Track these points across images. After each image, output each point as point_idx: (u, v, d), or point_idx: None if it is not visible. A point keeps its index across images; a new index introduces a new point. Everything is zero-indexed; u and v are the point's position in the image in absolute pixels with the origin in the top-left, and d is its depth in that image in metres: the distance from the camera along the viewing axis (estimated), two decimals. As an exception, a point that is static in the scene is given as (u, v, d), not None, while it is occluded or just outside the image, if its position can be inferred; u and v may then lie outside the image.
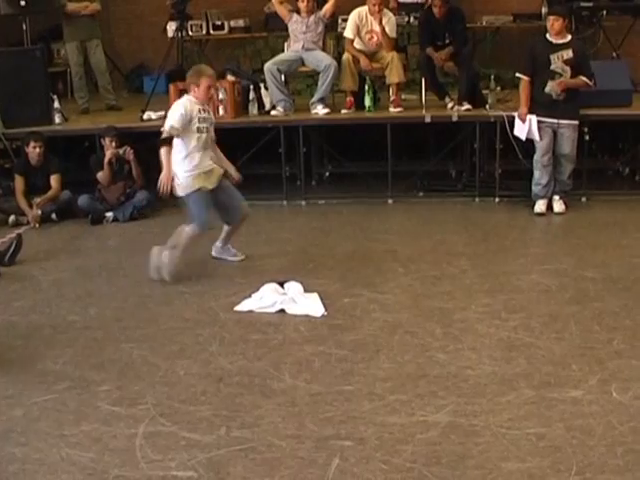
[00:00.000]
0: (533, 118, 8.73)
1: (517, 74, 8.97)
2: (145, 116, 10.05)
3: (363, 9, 9.90)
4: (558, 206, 8.86)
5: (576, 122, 8.79)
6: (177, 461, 4.20)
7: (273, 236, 8.24)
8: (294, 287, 6.46)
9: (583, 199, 9.30)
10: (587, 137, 9.18)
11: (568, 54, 8.63)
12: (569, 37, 8.79)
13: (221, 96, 9.75)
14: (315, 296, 6.37)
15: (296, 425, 4.53)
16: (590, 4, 11.31)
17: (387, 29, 9.77)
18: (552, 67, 8.66)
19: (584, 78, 8.63)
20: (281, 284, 6.52)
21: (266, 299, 6.32)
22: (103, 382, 5.13)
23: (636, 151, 10.07)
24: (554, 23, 8.63)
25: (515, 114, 8.92)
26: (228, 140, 9.67)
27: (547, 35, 8.76)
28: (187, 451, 4.30)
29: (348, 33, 10.02)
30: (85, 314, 6.36)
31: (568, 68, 8.60)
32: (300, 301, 6.27)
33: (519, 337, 5.63)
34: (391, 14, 10.11)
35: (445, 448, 4.25)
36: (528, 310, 6.11)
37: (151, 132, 9.80)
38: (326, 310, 6.16)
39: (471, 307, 6.20)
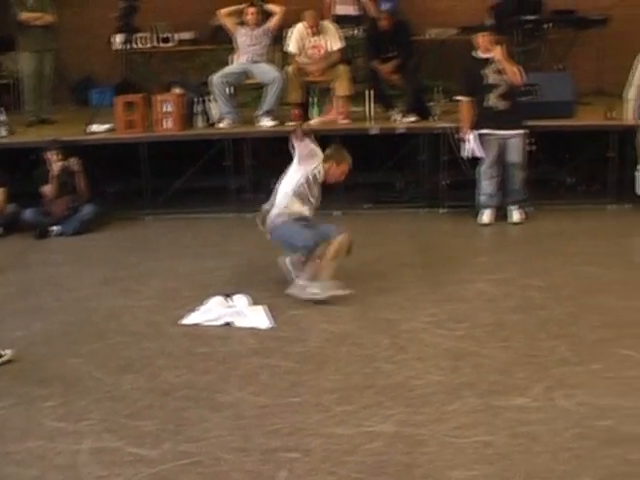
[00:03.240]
0: (471, 136, 8.84)
1: (457, 97, 9.09)
2: (90, 129, 9.97)
3: (305, 23, 9.96)
4: (517, 216, 8.93)
5: (523, 131, 8.89)
6: (123, 477, 4.17)
7: (221, 249, 8.22)
8: (241, 300, 6.45)
9: (530, 208, 9.39)
10: (532, 148, 9.27)
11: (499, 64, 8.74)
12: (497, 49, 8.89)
13: (168, 109, 9.72)
14: (262, 308, 6.37)
15: (243, 438, 4.52)
16: (533, 17, 11.46)
17: (331, 42, 9.84)
18: (489, 81, 8.77)
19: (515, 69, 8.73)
20: (228, 297, 6.51)
21: (213, 312, 6.31)
22: (49, 398, 5.08)
23: (580, 161, 10.19)
24: (484, 40, 8.76)
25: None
26: (175, 153, 9.70)
27: (476, 52, 8.89)
28: (133, 466, 4.27)
29: (292, 48, 10.07)
30: (31, 329, 6.28)
31: (503, 77, 8.70)
32: (247, 314, 6.27)
33: (465, 346, 5.67)
34: (331, 26, 10.19)
35: (392, 458, 4.27)
36: (474, 319, 6.16)
37: (97, 145, 9.81)
38: (273, 322, 6.17)
39: (417, 317, 6.23)
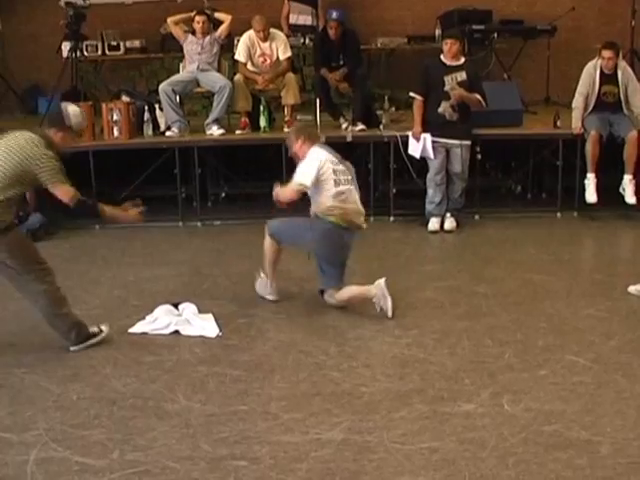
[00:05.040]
0: (427, 137, 8.87)
1: (411, 93, 9.10)
2: (38, 137, 9.87)
3: (253, 32, 9.98)
4: (449, 224, 9.02)
5: (469, 142, 8.96)
6: (70, 487, 4.14)
7: (168, 257, 8.19)
8: (189, 308, 6.43)
9: (476, 217, 9.48)
10: (479, 156, 9.35)
11: (462, 76, 8.82)
12: (462, 59, 8.97)
13: (115, 117, 9.66)
14: (210, 317, 6.35)
15: (190, 446, 4.50)
16: (482, 27, 11.54)
17: (279, 50, 9.87)
18: (446, 88, 8.82)
19: (478, 96, 8.80)
20: (175, 305, 6.48)
21: (160, 321, 6.28)
22: (-6, 408, 5.02)
23: (527, 169, 10.29)
24: (452, 46, 8.81)
25: (409, 133, 9.05)
26: (123, 161, 9.65)
27: (442, 57, 8.93)
28: (80, 476, 4.24)
29: (240, 56, 10.07)
30: (-25, 339, 6.21)
31: (461, 89, 8.76)
32: (194, 322, 6.25)
33: (412, 353, 5.70)
34: (280, 33, 10.23)
35: (339, 465, 4.28)
36: (421, 326, 6.19)
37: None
38: (221, 330, 6.15)
39: (365, 325, 6.25)
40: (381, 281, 6.36)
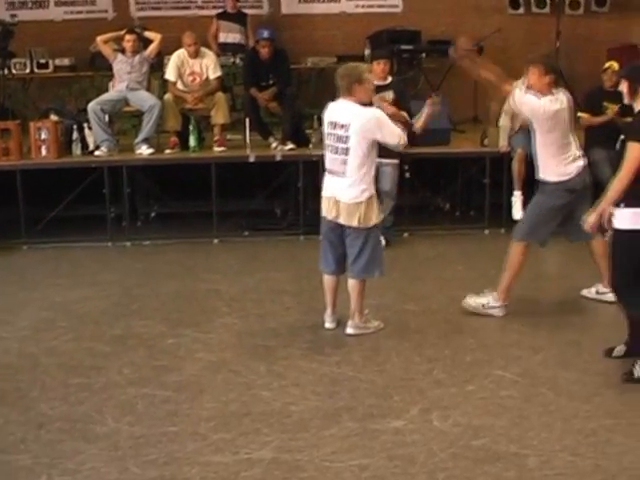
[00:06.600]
0: None
1: None
2: (-35, 157, 9.73)
3: (182, 51, 9.96)
4: None
5: (397, 161, 9.00)
6: (-5, 513, 4.09)
7: (97, 278, 8.10)
8: None
9: (405, 234, 9.52)
10: (408, 174, 9.42)
11: (389, 95, 8.87)
12: (390, 79, 9.04)
13: (44, 136, 9.56)
14: None
15: (119, 469, 4.47)
16: (411, 47, 11.69)
17: (209, 70, 9.87)
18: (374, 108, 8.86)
19: (405, 114, 8.84)
20: None
21: None
22: None
23: (456, 187, 10.40)
24: (385, 66, 8.88)
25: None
26: (51, 181, 9.54)
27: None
28: (6, 502, 4.19)
29: (169, 75, 10.04)
30: None
31: (391, 108, 8.82)
32: None
33: (342, 371, 5.73)
34: (210, 53, 10.23)
35: (269, 484, 4.28)
36: (350, 345, 6.22)
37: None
38: (150, 350, 6.11)
39: (295, 344, 6.26)
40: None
